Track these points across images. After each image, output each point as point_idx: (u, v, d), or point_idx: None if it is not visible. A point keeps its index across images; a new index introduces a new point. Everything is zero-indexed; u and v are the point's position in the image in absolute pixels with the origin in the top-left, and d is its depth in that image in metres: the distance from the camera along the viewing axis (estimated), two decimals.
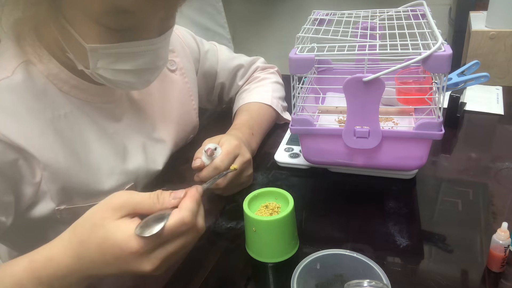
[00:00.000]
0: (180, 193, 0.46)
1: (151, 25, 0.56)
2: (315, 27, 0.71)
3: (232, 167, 0.64)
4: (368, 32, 0.66)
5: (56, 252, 0.45)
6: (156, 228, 0.41)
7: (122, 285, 0.57)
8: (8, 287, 0.45)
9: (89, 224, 0.45)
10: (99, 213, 0.44)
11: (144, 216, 0.44)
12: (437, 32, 0.60)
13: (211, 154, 0.64)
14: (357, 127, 0.62)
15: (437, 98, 0.61)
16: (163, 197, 0.45)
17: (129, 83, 0.61)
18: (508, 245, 0.50)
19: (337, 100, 0.82)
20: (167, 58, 0.63)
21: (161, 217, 0.43)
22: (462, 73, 0.70)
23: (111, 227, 0.43)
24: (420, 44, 0.57)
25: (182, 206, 0.44)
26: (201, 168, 0.64)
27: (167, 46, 0.62)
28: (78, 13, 0.52)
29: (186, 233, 0.44)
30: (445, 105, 0.78)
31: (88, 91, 0.64)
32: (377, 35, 0.63)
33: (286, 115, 0.92)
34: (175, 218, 0.43)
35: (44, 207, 0.61)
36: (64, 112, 0.62)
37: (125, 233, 0.42)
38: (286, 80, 0.93)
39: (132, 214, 0.44)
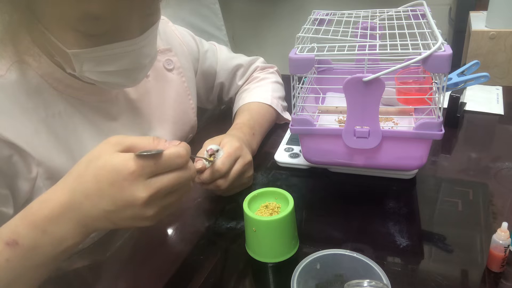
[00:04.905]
0: (175, 142, 0.48)
1: (130, 26, 0.56)
2: (315, 27, 0.71)
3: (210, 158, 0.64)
4: (368, 32, 0.65)
5: (51, 194, 0.46)
6: (155, 151, 0.43)
7: (123, 283, 0.57)
8: (4, 234, 0.45)
9: (85, 161, 0.46)
10: (96, 150, 0.45)
11: None
12: (437, 32, 0.60)
13: (211, 154, 0.64)
14: (357, 127, 0.62)
15: (437, 98, 0.61)
16: (158, 140, 0.47)
17: (117, 83, 0.61)
18: (508, 245, 0.50)
19: (337, 100, 0.82)
20: (154, 54, 0.63)
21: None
22: (462, 73, 0.70)
23: (109, 156, 0.44)
24: (420, 44, 0.57)
25: (178, 145, 0.47)
26: (202, 170, 0.64)
27: (152, 42, 0.61)
28: (53, 21, 0.52)
29: (180, 168, 0.46)
30: (445, 105, 0.78)
31: (83, 90, 0.64)
32: (377, 35, 0.63)
33: (286, 115, 0.92)
34: (172, 149, 0.45)
35: None
36: (58, 111, 0.62)
37: (123, 157, 0.43)
38: (286, 80, 0.93)
39: (128, 152, 0.45)
